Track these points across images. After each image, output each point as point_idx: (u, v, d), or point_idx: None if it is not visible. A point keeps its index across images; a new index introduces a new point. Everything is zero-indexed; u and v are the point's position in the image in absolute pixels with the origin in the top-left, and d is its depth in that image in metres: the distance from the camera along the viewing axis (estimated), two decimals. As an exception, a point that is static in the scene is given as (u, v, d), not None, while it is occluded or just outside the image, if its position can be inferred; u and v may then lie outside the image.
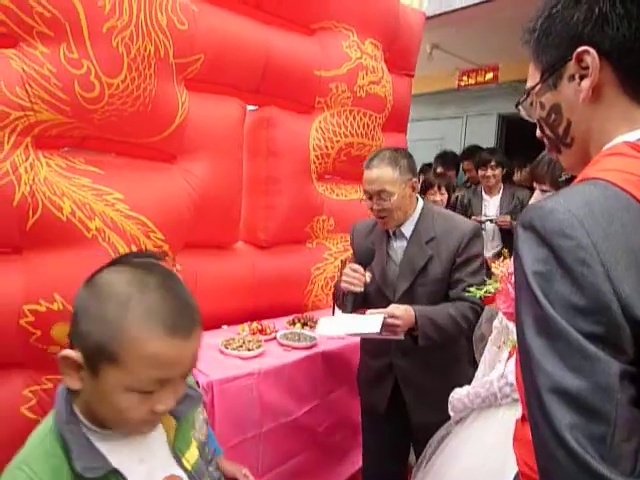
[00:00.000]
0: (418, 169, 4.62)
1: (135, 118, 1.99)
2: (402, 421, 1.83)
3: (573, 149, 0.73)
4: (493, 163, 3.75)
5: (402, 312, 1.61)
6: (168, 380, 0.75)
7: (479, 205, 3.88)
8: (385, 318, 1.58)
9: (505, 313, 1.26)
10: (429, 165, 4.65)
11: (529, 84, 0.76)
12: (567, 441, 0.51)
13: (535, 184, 1.41)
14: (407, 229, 1.79)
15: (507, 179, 3.85)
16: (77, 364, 0.74)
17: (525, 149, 3.28)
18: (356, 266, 1.73)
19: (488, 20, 4.00)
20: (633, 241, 0.53)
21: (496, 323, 1.54)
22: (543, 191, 1.34)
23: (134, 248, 1.96)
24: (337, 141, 2.82)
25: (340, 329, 1.72)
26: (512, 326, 1.39)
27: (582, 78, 0.67)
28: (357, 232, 1.99)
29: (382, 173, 1.72)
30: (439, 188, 3.43)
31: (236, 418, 1.78)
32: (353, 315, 1.70)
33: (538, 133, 0.79)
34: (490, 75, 4.93)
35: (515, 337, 1.33)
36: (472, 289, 1.56)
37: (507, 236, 3.66)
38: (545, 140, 0.78)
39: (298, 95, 2.69)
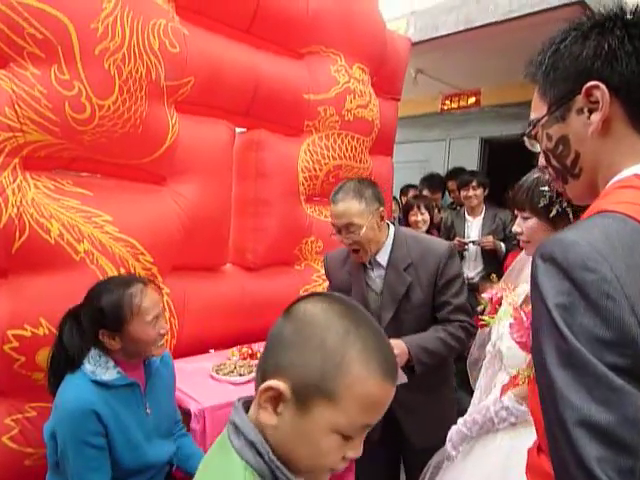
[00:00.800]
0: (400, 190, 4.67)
1: (125, 139, 1.97)
2: (395, 447, 1.81)
3: (581, 180, 0.73)
4: (475, 183, 3.79)
5: (394, 345, 1.62)
6: (369, 426, 0.69)
7: (462, 226, 3.91)
8: None
9: (519, 343, 1.25)
10: (411, 186, 4.70)
11: (534, 115, 0.77)
12: (597, 475, 0.50)
13: (516, 211, 1.41)
14: (382, 257, 1.77)
15: (489, 200, 3.90)
16: (280, 397, 0.65)
17: (506, 171, 3.33)
18: None
19: (471, 47, 4.10)
20: None
21: (489, 347, 1.53)
22: (524, 218, 1.34)
23: (123, 271, 1.92)
24: (326, 163, 2.83)
25: None
26: (506, 350, 1.39)
27: (591, 112, 0.68)
28: (331, 262, 1.96)
29: (348, 206, 1.68)
30: (419, 208, 3.49)
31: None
32: None
33: (542, 162, 0.80)
34: (472, 99, 5.04)
35: (513, 363, 1.34)
36: (485, 317, 1.52)
37: (489, 257, 3.70)
38: (550, 170, 0.79)
39: (287, 118, 2.71)
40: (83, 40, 1.77)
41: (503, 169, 4.14)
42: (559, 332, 0.55)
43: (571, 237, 0.58)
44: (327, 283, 2.82)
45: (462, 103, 5.14)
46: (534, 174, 1.32)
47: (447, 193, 4.74)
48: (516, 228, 1.38)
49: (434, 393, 1.77)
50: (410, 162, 5.59)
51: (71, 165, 1.95)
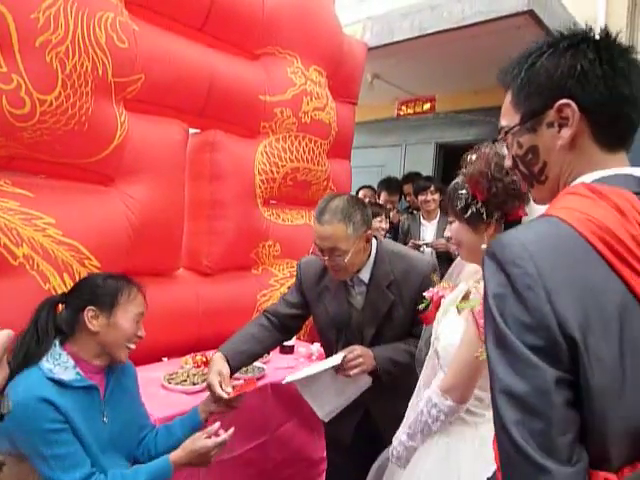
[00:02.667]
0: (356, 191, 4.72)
1: (69, 137, 1.87)
2: (369, 452, 1.78)
3: (545, 186, 0.80)
4: (432, 188, 3.91)
5: (361, 349, 1.63)
6: None
7: (417, 230, 4.00)
8: (345, 356, 1.58)
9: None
10: (368, 187, 4.76)
11: (505, 123, 0.82)
12: (513, 435, 0.60)
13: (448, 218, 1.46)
14: (364, 275, 1.71)
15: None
16: None
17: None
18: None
19: (426, 53, 4.16)
20: (574, 271, 0.63)
21: (432, 339, 1.51)
22: (451, 222, 1.37)
23: (66, 277, 1.81)
24: (283, 166, 2.79)
25: (304, 372, 1.67)
26: (441, 350, 1.36)
27: (561, 126, 0.74)
28: (306, 272, 1.83)
29: (334, 231, 1.57)
30: (378, 215, 3.53)
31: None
32: (314, 363, 1.70)
33: (508, 164, 0.85)
34: (428, 105, 5.10)
35: (449, 362, 1.33)
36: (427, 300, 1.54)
37: (442, 259, 3.76)
38: (517, 173, 0.85)
39: (243, 119, 2.65)
40: (22, 31, 1.67)
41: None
42: (493, 317, 0.65)
43: (508, 237, 0.67)
44: (284, 288, 2.79)
45: (417, 109, 5.21)
46: (456, 179, 1.35)
47: (403, 197, 4.82)
48: (447, 233, 1.43)
49: (409, 394, 1.76)
50: (367, 167, 5.62)
51: (10, 164, 1.83)
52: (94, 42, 1.87)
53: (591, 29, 0.75)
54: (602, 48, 0.73)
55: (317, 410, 1.70)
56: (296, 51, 2.84)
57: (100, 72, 1.92)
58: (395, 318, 1.69)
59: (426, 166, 5.55)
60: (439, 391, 1.26)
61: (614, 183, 0.70)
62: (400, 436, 1.38)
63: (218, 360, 1.63)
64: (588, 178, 0.73)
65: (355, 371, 1.60)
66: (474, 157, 1.27)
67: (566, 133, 0.73)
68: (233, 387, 1.58)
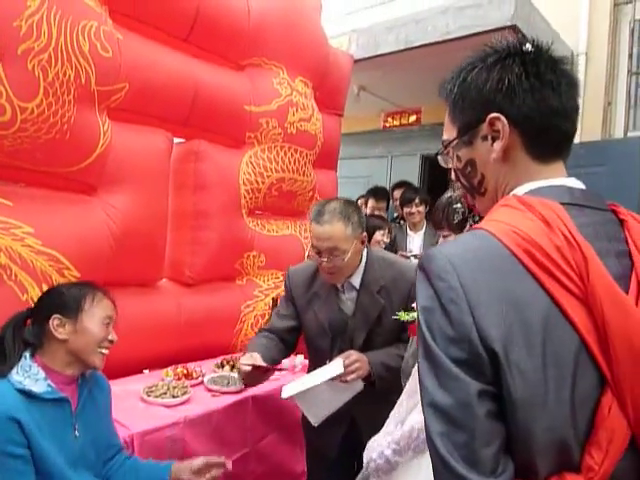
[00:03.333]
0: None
1: (51, 146, 1.84)
2: (352, 465, 1.76)
3: (485, 197, 0.81)
4: (417, 201, 3.91)
5: (356, 354, 1.61)
6: None
7: (404, 240, 3.99)
8: (344, 361, 1.57)
9: None
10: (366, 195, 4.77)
11: (446, 137, 0.83)
12: (437, 447, 0.61)
13: (437, 231, 1.45)
14: (355, 280, 1.72)
15: (429, 216, 4.01)
16: None
17: (446, 188, 3.42)
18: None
19: (411, 66, 4.20)
20: (498, 283, 0.63)
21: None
22: (445, 236, 1.37)
23: (45, 287, 1.78)
24: (268, 176, 2.78)
25: (305, 384, 1.62)
26: None
27: (494, 139, 0.75)
28: (295, 281, 1.84)
29: (335, 230, 1.60)
30: (389, 231, 3.52)
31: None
32: (313, 372, 1.65)
33: (453, 177, 0.86)
34: (414, 117, 5.16)
35: None
36: (401, 313, 1.55)
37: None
38: (459, 186, 0.86)
39: (228, 129, 2.65)
40: (4, 38, 1.66)
41: (442, 185, 4.25)
42: (422, 330, 0.65)
43: (435, 251, 0.68)
44: (269, 299, 2.77)
45: (403, 121, 5.26)
46: (447, 194, 1.36)
47: (393, 207, 4.83)
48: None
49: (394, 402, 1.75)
50: (354, 177, 5.64)
51: (-12, 172, 1.80)
52: (77, 50, 1.86)
53: (520, 43, 0.77)
54: (528, 62, 0.74)
55: (310, 417, 1.67)
56: (282, 62, 2.85)
57: (83, 80, 1.90)
58: (385, 324, 1.69)
59: (412, 178, 5.58)
60: None
61: (544, 194, 0.70)
62: (383, 449, 1.36)
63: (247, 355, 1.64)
64: (521, 190, 0.74)
65: (352, 376, 1.58)
66: None
67: (498, 146, 0.74)
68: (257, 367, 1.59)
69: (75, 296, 1.37)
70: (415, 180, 5.63)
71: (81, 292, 1.39)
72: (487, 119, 0.74)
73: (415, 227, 4.00)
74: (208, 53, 2.55)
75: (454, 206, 1.31)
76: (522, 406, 0.60)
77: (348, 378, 1.58)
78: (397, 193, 4.66)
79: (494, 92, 0.74)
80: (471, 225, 1.27)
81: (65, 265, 1.86)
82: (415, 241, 3.98)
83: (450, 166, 0.86)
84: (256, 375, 1.59)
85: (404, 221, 4.25)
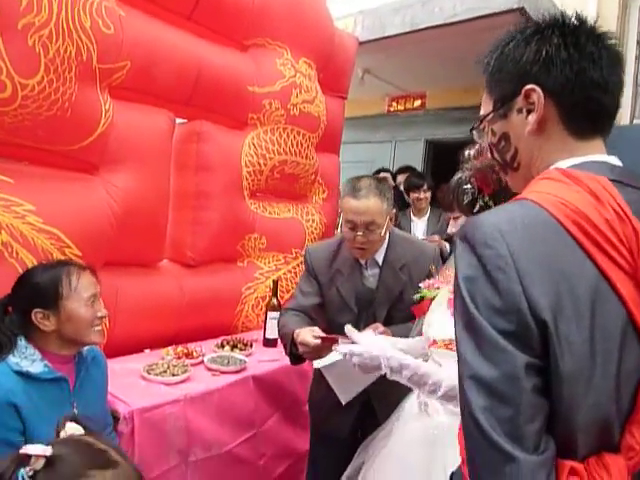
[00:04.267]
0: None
1: (52, 123, 1.83)
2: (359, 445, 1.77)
3: (519, 173, 0.80)
4: (425, 187, 3.93)
5: (383, 327, 1.67)
6: None
7: (408, 226, 4.00)
8: (374, 332, 1.57)
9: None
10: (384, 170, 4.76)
11: (482, 111, 0.83)
12: (480, 422, 0.59)
13: (447, 214, 1.47)
14: (379, 256, 1.78)
15: (434, 201, 4.01)
16: None
17: (449, 172, 3.40)
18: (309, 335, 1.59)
19: (417, 49, 4.14)
20: (547, 253, 0.61)
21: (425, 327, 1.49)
22: (455, 218, 1.38)
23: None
24: (270, 158, 2.77)
25: (336, 356, 1.52)
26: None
27: (529, 112, 0.75)
28: (316, 258, 1.87)
29: (372, 204, 1.66)
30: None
31: (159, 447, 1.63)
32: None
33: (489, 156, 0.86)
34: (418, 102, 5.11)
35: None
36: (423, 290, 1.56)
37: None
38: (495, 162, 0.86)
39: (230, 110, 2.62)
40: (4, 12, 1.63)
41: (446, 170, 4.23)
42: (463, 300, 0.63)
43: (480, 219, 0.66)
44: (269, 281, 2.77)
45: (408, 105, 5.21)
46: (456, 175, 1.36)
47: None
48: (451, 229, 1.44)
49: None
50: (357, 162, 5.60)
51: (-11, 149, 1.79)
52: (79, 27, 1.84)
53: (562, 14, 0.75)
54: (568, 33, 0.73)
55: (340, 394, 1.66)
56: (286, 43, 2.81)
57: (85, 57, 1.88)
58: (406, 300, 1.72)
59: (415, 163, 5.54)
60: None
61: (588, 169, 0.69)
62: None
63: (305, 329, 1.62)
64: (562, 165, 0.72)
65: None
66: (473, 152, 1.28)
67: (532, 118, 0.74)
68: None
69: (50, 284, 1.32)
70: (419, 165, 5.59)
71: (55, 277, 1.33)
72: (523, 91, 0.74)
73: (419, 213, 4.02)
74: (212, 32, 2.51)
75: (463, 187, 1.31)
76: (568, 380, 0.59)
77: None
78: (401, 178, 4.65)
79: (531, 63, 0.73)
80: (481, 206, 1.27)
81: (66, 244, 1.86)
82: (419, 226, 4.00)
83: (482, 141, 0.87)
84: (324, 347, 1.59)
85: (407, 207, 4.25)
